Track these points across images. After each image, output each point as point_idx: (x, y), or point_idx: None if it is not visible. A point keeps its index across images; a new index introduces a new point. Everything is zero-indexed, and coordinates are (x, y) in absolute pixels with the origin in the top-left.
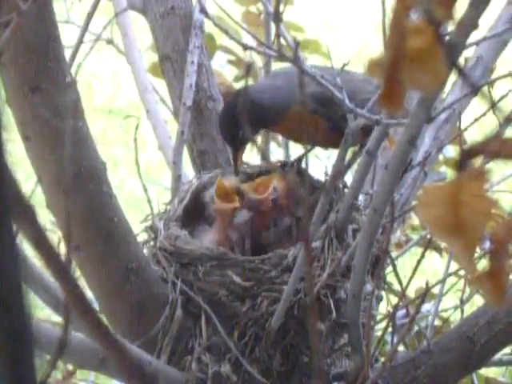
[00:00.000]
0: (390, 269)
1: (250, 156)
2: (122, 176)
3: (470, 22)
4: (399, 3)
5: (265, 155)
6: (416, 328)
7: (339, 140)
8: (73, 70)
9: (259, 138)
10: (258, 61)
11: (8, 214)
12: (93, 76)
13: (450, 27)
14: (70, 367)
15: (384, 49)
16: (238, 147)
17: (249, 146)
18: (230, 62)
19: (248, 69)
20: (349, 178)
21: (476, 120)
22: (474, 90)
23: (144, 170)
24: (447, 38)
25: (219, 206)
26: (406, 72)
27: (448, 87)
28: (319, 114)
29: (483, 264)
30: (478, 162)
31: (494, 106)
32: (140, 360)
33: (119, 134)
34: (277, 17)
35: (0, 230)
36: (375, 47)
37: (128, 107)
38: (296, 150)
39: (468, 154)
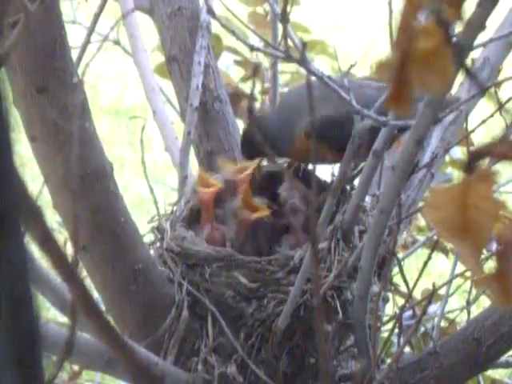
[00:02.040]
0: (396, 270)
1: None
2: (128, 176)
3: (477, 23)
4: (407, 4)
5: (272, 157)
6: (422, 329)
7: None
8: (80, 71)
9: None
10: (265, 62)
11: (17, 214)
12: (99, 77)
13: (458, 28)
14: (77, 368)
15: (392, 50)
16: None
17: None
18: (236, 62)
19: (255, 70)
20: (355, 180)
21: (483, 121)
22: (482, 91)
23: (150, 171)
24: (455, 38)
25: (202, 194)
26: (414, 73)
27: (455, 88)
28: (324, 139)
29: (490, 265)
30: (485, 163)
31: (501, 107)
32: (147, 361)
33: (125, 135)
34: (284, 17)
35: (9, 230)
36: (382, 48)
37: (134, 108)
38: None
39: (476, 156)
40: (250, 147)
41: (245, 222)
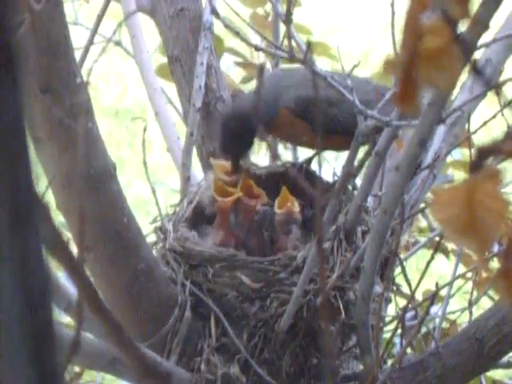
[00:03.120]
0: (398, 271)
1: (259, 156)
2: (129, 177)
3: (481, 23)
4: (414, 2)
5: (275, 155)
6: (423, 330)
7: (339, 141)
8: (83, 72)
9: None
10: (267, 62)
11: (34, 211)
12: (99, 77)
13: (462, 28)
14: (77, 368)
15: (399, 48)
16: (236, 156)
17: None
18: (236, 63)
19: (260, 71)
20: (358, 180)
21: (485, 123)
22: (488, 89)
23: (151, 172)
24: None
25: (221, 203)
26: (422, 71)
27: (456, 89)
28: (302, 117)
29: (493, 266)
30: (490, 161)
31: (503, 108)
32: (154, 360)
33: (125, 136)
34: (287, 18)
35: (26, 225)
36: (382, 50)
37: (134, 109)
38: (304, 152)
39: (482, 154)
40: (232, 140)
41: (247, 209)
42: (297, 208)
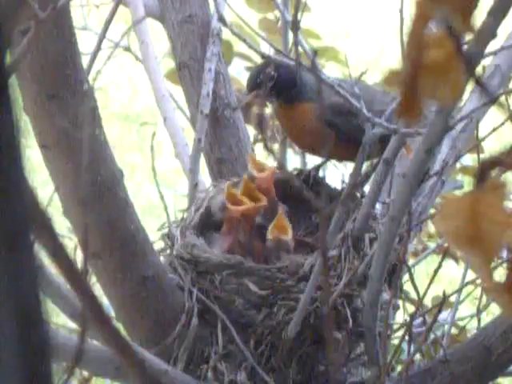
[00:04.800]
0: (406, 277)
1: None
2: (139, 182)
3: (488, 32)
4: (418, 14)
5: (281, 163)
6: (432, 336)
7: (353, 152)
8: (91, 78)
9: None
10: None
11: (27, 226)
12: (109, 82)
13: (468, 36)
14: (86, 374)
15: (403, 59)
16: (252, 91)
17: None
18: (247, 68)
19: (266, 76)
20: (366, 187)
21: (494, 130)
22: (492, 100)
23: (160, 177)
24: (465, 47)
25: (233, 211)
26: (425, 83)
27: (465, 96)
28: (332, 125)
29: (500, 273)
30: (495, 173)
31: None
32: (156, 369)
33: (135, 140)
34: (295, 25)
35: (19, 243)
36: (392, 55)
37: (144, 113)
38: (312, 158)
39: (487, 166)
40: (258, 81)
41: (247, 213)
42: (289, 235)
